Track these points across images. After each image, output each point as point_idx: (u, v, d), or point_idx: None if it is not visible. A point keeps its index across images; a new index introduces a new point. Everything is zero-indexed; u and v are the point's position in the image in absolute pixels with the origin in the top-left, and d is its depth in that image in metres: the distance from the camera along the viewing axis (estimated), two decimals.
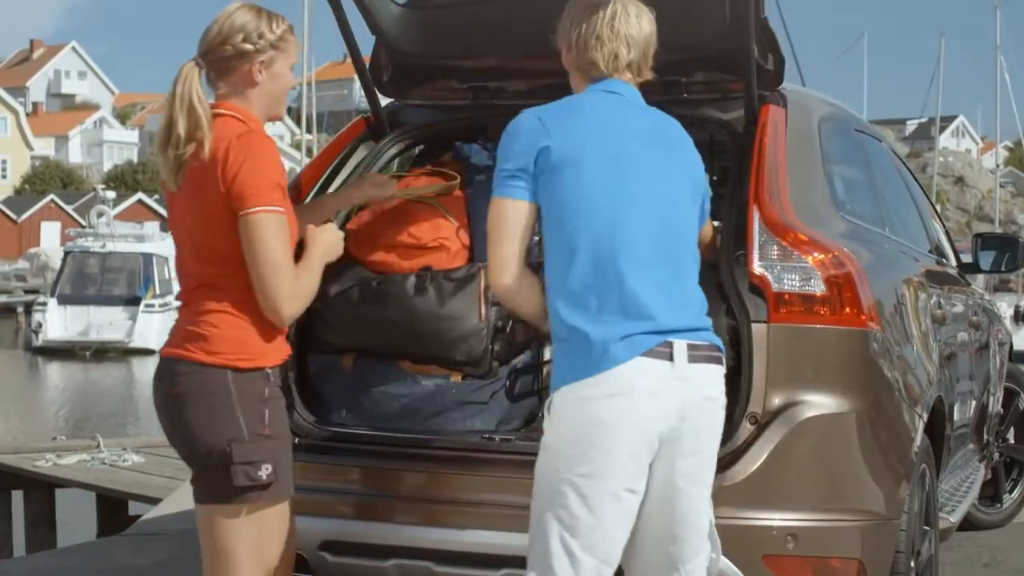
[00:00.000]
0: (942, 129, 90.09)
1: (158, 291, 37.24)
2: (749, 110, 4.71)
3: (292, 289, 3.79)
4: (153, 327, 35.63)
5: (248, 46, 3.85)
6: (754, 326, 4.31)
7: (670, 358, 3.65)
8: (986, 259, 7.25)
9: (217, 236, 3.77)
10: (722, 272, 4.41)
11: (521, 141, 3.79)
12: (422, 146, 5.58)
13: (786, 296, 4.31)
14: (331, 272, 4.93)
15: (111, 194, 46.71)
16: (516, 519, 4.36)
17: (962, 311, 6.40)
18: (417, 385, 4.84)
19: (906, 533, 4.63)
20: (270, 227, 3.74)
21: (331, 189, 5.12)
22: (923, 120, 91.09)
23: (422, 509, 4.53)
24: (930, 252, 6.51)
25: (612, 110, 3.84)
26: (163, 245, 38.25)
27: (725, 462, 4.26)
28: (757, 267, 4.33)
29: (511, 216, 3.79)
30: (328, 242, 4.03)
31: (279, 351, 3.94)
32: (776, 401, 4.29)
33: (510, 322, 4.78)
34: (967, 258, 7.26)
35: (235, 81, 3.89)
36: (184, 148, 3.76)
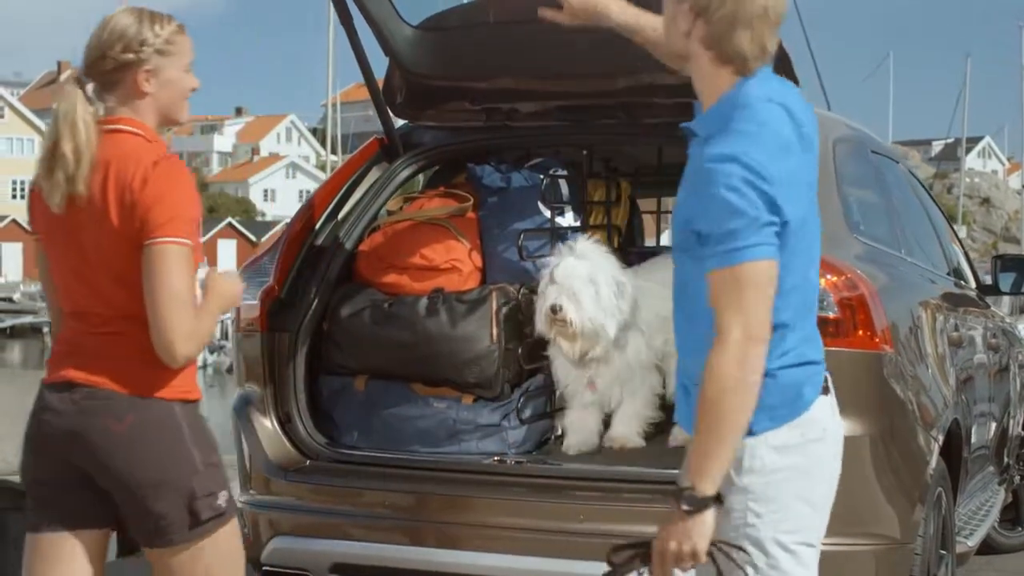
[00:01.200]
0: (968, 150, 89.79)
1: None
2: None
3: (191, 328, 3.45)
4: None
5: (129, 56, 3.52)
6: None
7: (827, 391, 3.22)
8: (1006, 281, 7.18)
9: (136, 262, 3.46)
10: None
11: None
12: (435, 168, 5.57)
13: None
14: (343, 293, 4.95)
15: None
16: (527, 542, 4.36)
17: (980, 333, 6.35)
18: (429, 407, 4.84)
19: (921, 557, 4.58)
20: (176, 259, 3.43)
21: (345, 210, 5.11)
22: (949, 141, 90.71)
23: (433, 532, 4.51)
24: (948, 274, 6.46)
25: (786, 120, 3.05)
26: None
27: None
28: None
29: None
30: (228, 290, 3.67)
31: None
32: None
33: (520, 344, 4.78)
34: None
35: (123, 94, 3.56)
36: (76, 169, 3.46)
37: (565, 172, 5.36)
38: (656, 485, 4.41)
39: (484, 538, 4.43)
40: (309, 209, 5.09)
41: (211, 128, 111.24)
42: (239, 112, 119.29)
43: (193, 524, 3.51)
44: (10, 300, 62.01)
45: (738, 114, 2.93)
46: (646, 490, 4.40)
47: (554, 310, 4.71)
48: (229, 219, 74.57)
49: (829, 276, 4.31)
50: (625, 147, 5.48)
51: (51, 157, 3.50)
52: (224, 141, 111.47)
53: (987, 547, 7.57)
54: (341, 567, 4.60)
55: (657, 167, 5.69)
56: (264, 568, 4.80)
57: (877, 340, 4.35)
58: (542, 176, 5.25)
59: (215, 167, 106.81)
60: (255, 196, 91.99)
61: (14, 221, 79.75)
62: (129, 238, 3.45)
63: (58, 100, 3.55)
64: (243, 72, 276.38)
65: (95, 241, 3.51)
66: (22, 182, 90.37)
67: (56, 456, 3.54)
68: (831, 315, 4.28)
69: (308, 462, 4.77)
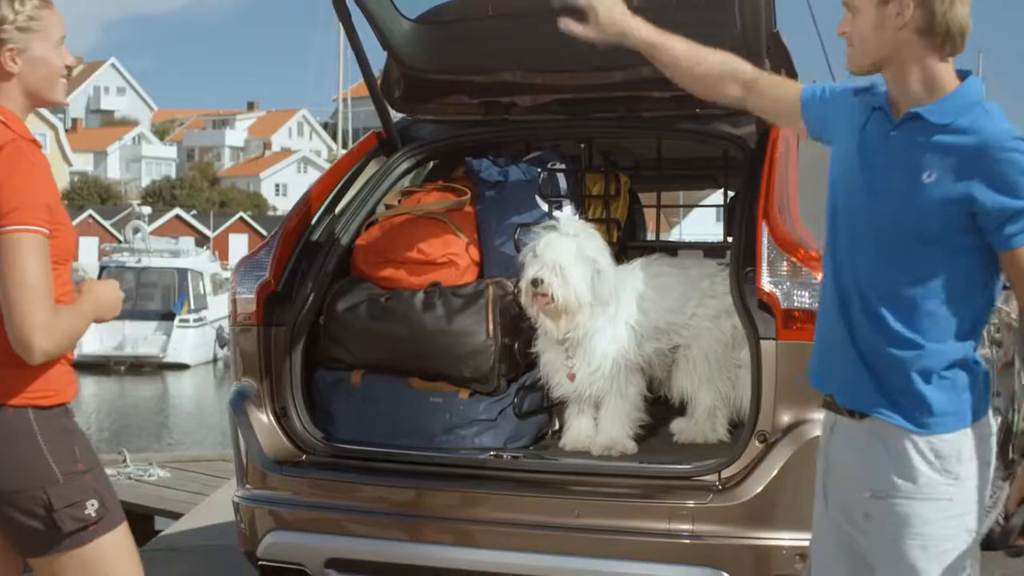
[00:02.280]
0: None
1: (192, 306, 37.35)
2: (760, 124, 4.66)
3: (47, 321, 3.19)
4: (187, 342, 35.79)
5: None
6: (763, 343, 4.25)
7: None
8: None
9: None
10: (731, 289, 4.37)
11: None
12: (433, 162, 5.55)
13: (795, 313, 4.25)
14: (340, 288, 4.94)
15: (147, 209, 46.90)
16: (522, 538, 4.34)
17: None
18: (425, 402, 4.82)
19: None
20: (28, 248, 3.17)
21: (342, 204, 5.09)
22: None
23: (428, 527, 4.49)
24: None
25: None
26: (198, 260, 38.41)
27: (733, 481, 4.23)
28: (766, 284, 4.27)
29: None
30: (106, 296, 3.46)
31: (74, 384, 3.45)
32: (785, 419, 4.23)
33: (517, 340, 4.75)
34: None
35: None
36: None
37: (563, 166, 5.34)
38: (651, 480, 4.40)
39: (480, 533, 4.41)
40: (306, 203, 5.07)
41: (223, 123, 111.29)
42: (251, 107, 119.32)
43: (56, 537, 3.31)
44: None
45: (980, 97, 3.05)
46: (641, 485, 4.39)
47: (535, 283, 4.66)
48: (241, 214, 74.58)
49: None
50: (624, 141, 5.45)
51: None
52: (236, 136, 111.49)
53: (992, 543, 7.54)
54: (337, 562, 4.58)
55: (657, 161, 5.66)
56: (260, 563, 4.79)
57: None
58: (540, 170, 5.23)
59: (227, 162, 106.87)
60: (267, 191, 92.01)
61: None
62: None
63: None
64: (255, 67, 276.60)
65: None
66: None
67: None
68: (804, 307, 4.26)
69: (304, 456, 4.76)
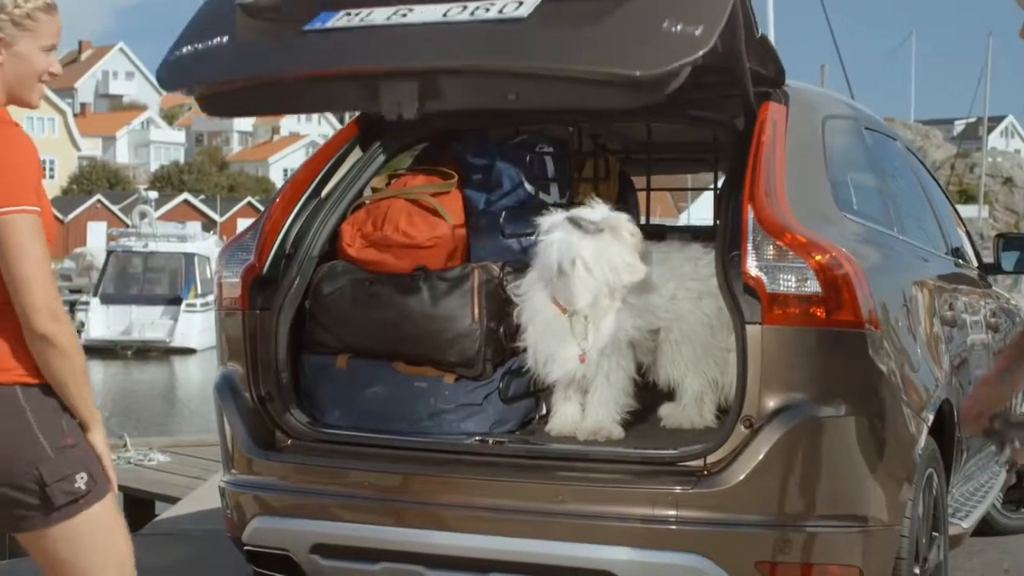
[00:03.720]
0: (990, 129, 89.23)
1: (200, 291, 37.35)
2: (747, 106, 4.63)
3: (53, 292, 3.36)
4: (195, 327, 35.80)
5: None
6: (748, 327, 4.22)
7: None
8: (1009, 260, 7.09)
9: None
10: (716, 272, 4.34)
11: None
12: (421, 145, 5.52)
13: (781, 297, 4.22)
14: (325, 271, 4.91)
15: (153, 194, 46.96)
16: (507, 523, 4.32)
17: (979, 313, 6.28)
18: (410, 386, 4.79)
19: (908, 539, 4.53)
20: (27, 229, 3.31)
21: (328, 188, 5.05)
22: (971, 120, 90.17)
23: (414, 512, 4.46)
24: (947, 254, 6.39)
25: None
26: (205, 245, 38.39)
27: (718, 466, 4.20)
28: (752, 268, 4.24)
29: None
30: (100, 439, 3.54)
31: None
32: (771, 404, 4.20)
33: (502, 324, 4.72)
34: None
35: None
36: None
37: (550, 149, 5.31)
38: (636, 465, 4.38)
39: (465, 518, 4.38)
40: (292, 186, 5.04)
41: None
42: None
43: (48, 510, 3.40)
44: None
45: None
46: (627, 471, 4.36)
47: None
48: (249, 198, 74.67)
49: (813, 254, 4.26)
50: (613, 124, 5.41)
51: None
52: (244, 120, 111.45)
53: (991, 529, 7.51)
54: (322, 547, 4.56)
55: (646, 144, 5.63)
56: (246, 548, 4.78)
57: (862, 319, 4.28)
58: (527, 154, 5.20)
59: (235, 146, 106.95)
60: (275, 175, 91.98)
61: None
62: None
63: None
64: None
65: None
66: (43, 161, 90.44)
67: None
68: (815, 294, 4.23)
69: (289, 441, 4.74)
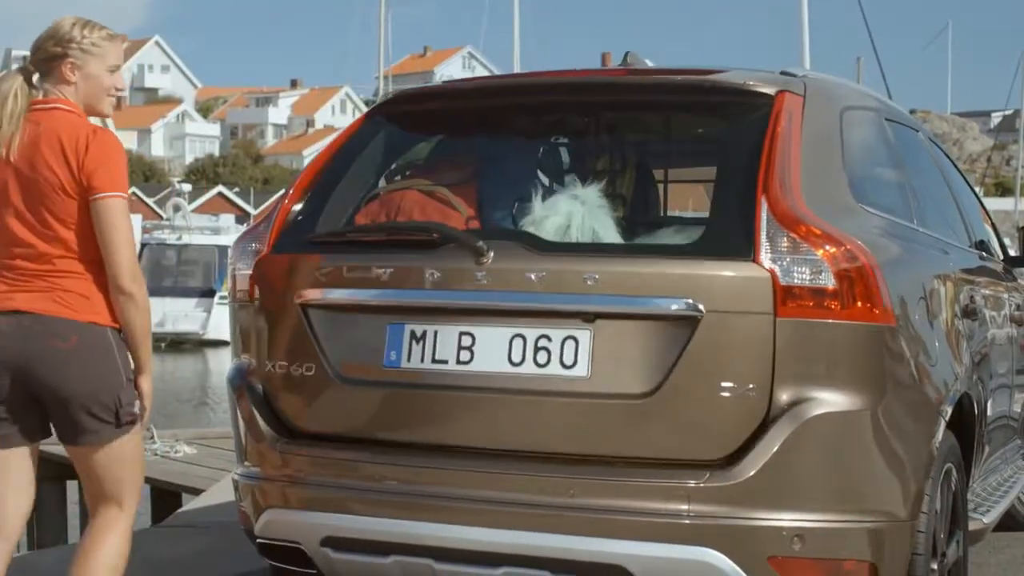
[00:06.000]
0: None
1: None
2: (763, 98, 4.59)
3: (136, 262, 4.42)
4: (228, 319, 35.96)
5: (57, 49, 4.44)
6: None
7: None
8: None
9: (73, 210, 4.33)
10: None
11: None
12: (437, 136, 5.49)
13: (795, 290, 4.18)
14: None
15: (187, 187, 47.16)
16: (518, 517, 4.29)
17: (1003, 307, 6.22)
18: None
19: (925, 535, 4.47)
20: (123, 210, 4.35)
21: (341, 180, 5.02)
22: (1008, 112, 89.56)
23: (425, 506, 4.43)
24: (971, 247, 6.32)
25: None
26: None
27: (732, 460, 4.16)
28: (765, 260, 4.20)
29: None
30: (148, 387, 4.62)
31: None
32: (784, 397, 4.16)
33: None
34: None
35: (54, 80, 4.46)
36: (7, 135, 4.37)
37: (565, 140, 5.27)
38: (649, 459, 4.32)
39: (476, 512, 4.35)
40: (306, 177, 5.02)
41: (266, 100, 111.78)
42: (294, 84, 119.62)
43: (116, 425, 4.40)
44: None
45: None
46: (638, 464, 4.31)
47: None
48: (283, 191, 74.92)
49: (828, 247, 4.21)
50: (633, 114, 5.35)
51: None
52: (279, 113, 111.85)
53: (1015, 523, 7.44)
54: (333, 540, 4.54)
55: (666, 136, 5.57)
56: (258, 541, 4.77)
57: (877, 312, 4.24)
58: (542, 144, 5.16)
59: (270, 139, 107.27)
60: None
61: None
62: (68, 191, 4.31)
63: (1, 82, 4.46)
64: (299, 44, 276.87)
65: (35, 192, 4.34)
66: None
67: (3, 377, 4.35)
68: (829, 287, 4.18)
69: (301, 434, 4.72)
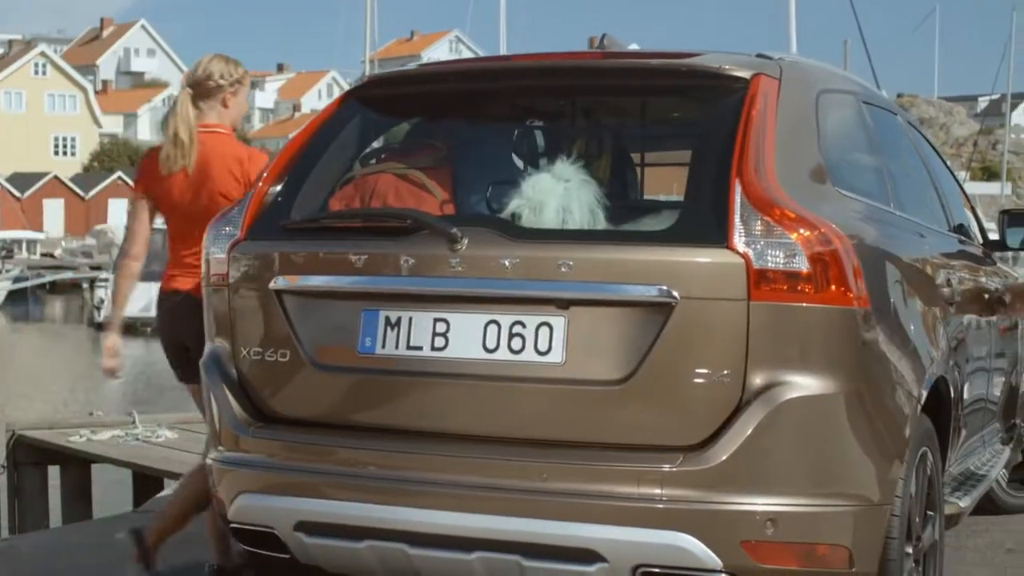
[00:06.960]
0: (1014, 106, 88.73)
1: None
2: (737, 82, 4.57)
3: None
4: None
5: (222, 82, 5.71)
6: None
7: None
8: (1015, 236, 7.00)
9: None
10: None
11: None
12: (411, 119, 5.46)
13: (768, 274, 4.16)
14: None
15: None
16: (492, 502, 4.28)
17: (981, 290, 6.21)
18: None
19: (899, 519, 4.47)
20: None
21: (316, 163, 5.00)
22: (995, 97, 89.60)
23: (399, 491, 4.42)
24: (949, 230, 6.31)
25: None
26: None
27: (705, 444, 4.15)
28: (738, 243, 4.18)
29: None
30: None
31: None
32: (757, 382, 4.15)
33: None
34: None
35: (213, 105, 5.70)
36: (189, 150, 5.62)
37: (540, 123, 5.25)
38: (622, 445, 4.31)
39: (449, 497, 4.33)
40: (280, 161, 4.99)
41: (253, 84, 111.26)
42: (281, 68, 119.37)
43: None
44: (51, 256, 62.49)
45: None
46: (611, 447, 4.30)
47: (514, 218, 4.55)
48: None
49: (801, 230, 4.20)
50: (608, 97, 5.33)
51: (172, 142, 5.60)
52: (266, 97, 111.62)
53: (996, 507, 7.45)
54: (306, 525, 4.53)
55: (642, 120, 5.55)
56: (232, 525, 4.75)
57: (851, 296, 4.22)
58: (518, 127, 5.14)
59: (256, 123, 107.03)
60: None
61: (56, 178, 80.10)
62: (232, 197, 5.38)
63: (176, 104, 5.65)
64: (285, 27, 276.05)
65: (200, 198, 5.56)
66: (64, 139, 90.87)
67: (171, 331, 5.73)
68: (803, 270, 4.17)
69: (275, 419, 4.71)
